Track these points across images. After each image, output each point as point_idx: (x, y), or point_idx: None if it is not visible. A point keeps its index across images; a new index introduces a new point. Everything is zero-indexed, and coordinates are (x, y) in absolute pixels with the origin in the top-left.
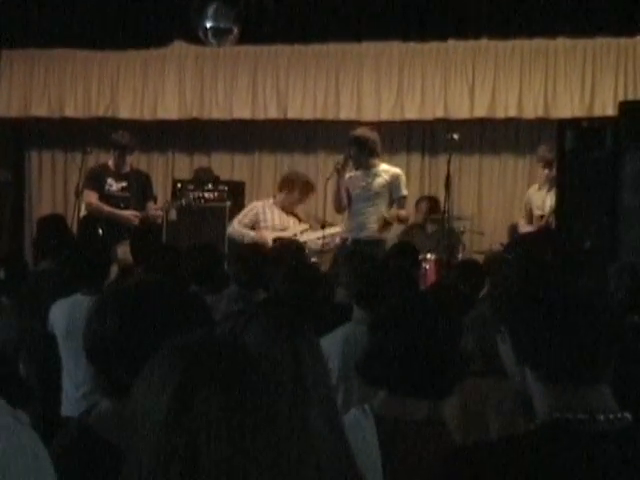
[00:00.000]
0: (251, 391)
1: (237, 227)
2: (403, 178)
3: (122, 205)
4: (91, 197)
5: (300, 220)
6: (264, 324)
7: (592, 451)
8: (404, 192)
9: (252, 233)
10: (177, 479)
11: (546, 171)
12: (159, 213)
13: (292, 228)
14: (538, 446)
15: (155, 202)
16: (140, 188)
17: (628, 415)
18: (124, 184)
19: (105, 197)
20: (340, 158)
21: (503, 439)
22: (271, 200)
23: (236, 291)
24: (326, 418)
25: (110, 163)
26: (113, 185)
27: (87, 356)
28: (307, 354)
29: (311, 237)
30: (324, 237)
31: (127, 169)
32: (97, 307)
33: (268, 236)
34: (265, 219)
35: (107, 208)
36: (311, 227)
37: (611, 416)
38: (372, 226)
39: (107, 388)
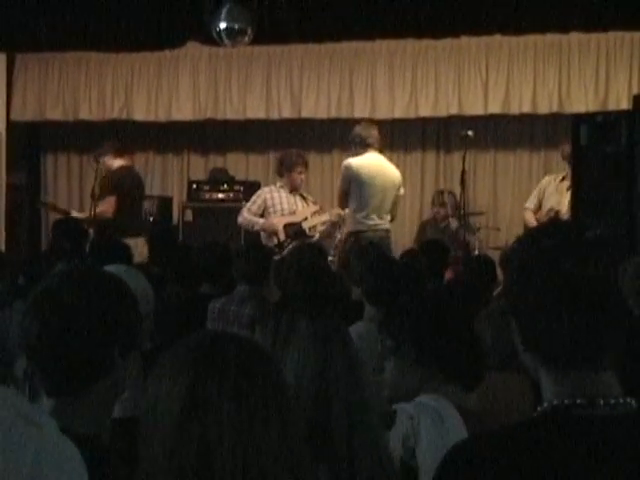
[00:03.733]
0: (263, 384)
1: (246, 216)
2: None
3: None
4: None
5: (306, 200)
6: (310, 323)
7: (591, 436)
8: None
9: (261, 221)
10: (191, 473)
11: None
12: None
13: (301, 211)
14: (537, 433)
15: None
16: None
17: (632, 401)
18: None
19: None
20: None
21: (504, 428)
22: (278, 184)
23: (245, 290)
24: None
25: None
26: None
27: (27, 355)
28: (354, 349)
29: (322, 219)
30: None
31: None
32: (32, 304)
33: (278, 223)
34: (273, 204)
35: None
36: (321, 209)
37: (612, 401)
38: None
39: (47, 387)
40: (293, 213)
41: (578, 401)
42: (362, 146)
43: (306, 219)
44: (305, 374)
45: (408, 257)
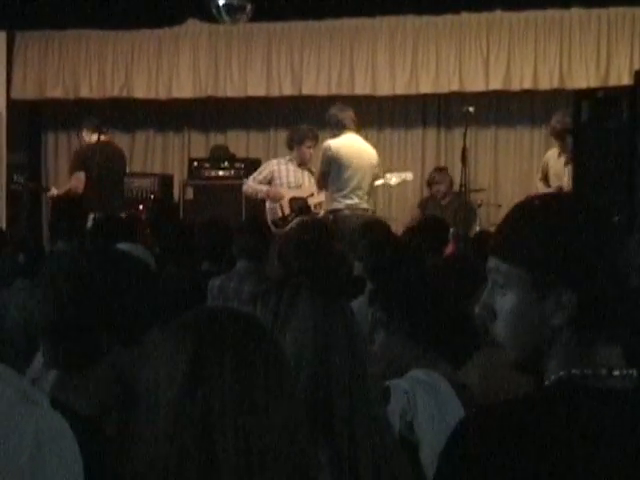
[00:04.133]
0: (263, 359)
1: (251, 184)
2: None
3: None
4: None
5: (314, 176)
6: (312, 299)
7: (601, 407)
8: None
9: (266, 188)
10: (193, 449)
11: (559, 142)
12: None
13: (308, 187)
14: (550, 404)
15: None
16: None
17: (635, 372)
18: None
19: None
20: None
21: (515, 399)
22: (287, 157)
23: (245, 267)
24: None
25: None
26: None
27: (42, 330)
28: (355, 325)
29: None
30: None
31: None
32: (50, 279)
33: (284, 193)
34: (280, 176)
35: None
36: None
37: (625, 373)
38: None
39: (60, 361)
40: (299, 187)
41: (586, 372)
42: (339, 127)
43: (312, 195)
44: (305, 350)
45: (409, 234)
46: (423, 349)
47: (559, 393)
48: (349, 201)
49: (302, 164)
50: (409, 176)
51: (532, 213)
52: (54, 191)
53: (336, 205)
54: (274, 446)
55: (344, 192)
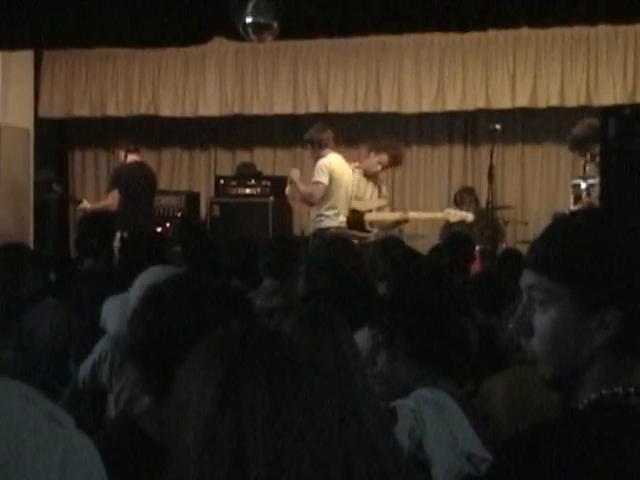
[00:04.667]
0: (294, 378)
1: (318, 178)
2: (318, 165)
3: None
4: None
5: (380, 191)
6: (302, 315)
7: (633, 425)
8: (314, 177)
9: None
10: (225, 471)
11: (580, 152)
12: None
13: (370, 202)
14: (585, 425)
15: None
16: None
17: None
18: None
19: None
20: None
21: (557, 419)
22: (356, 163)
23: (271, 285)
24: (371, 404)
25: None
26: None
27: (130, 354)
28: (346, 343)
29: (386, 218)
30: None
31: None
32: (139, 305)
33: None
34: None
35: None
36: (388, 205)
37: None
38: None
39: (148, 386)
40: (359, 199)
41: (630, 390)
42: (322, 147)
43: (370, 211)
44: None
45: (436, 252)
46: (425, 368)
47: (595, 414)
48: (339, 220)
49: (366, 175)
50: (470, 217)
51: (578, 229)
52: (86, 204)
53: (328, 223)
54: (306, 467)
55: (336, 210)
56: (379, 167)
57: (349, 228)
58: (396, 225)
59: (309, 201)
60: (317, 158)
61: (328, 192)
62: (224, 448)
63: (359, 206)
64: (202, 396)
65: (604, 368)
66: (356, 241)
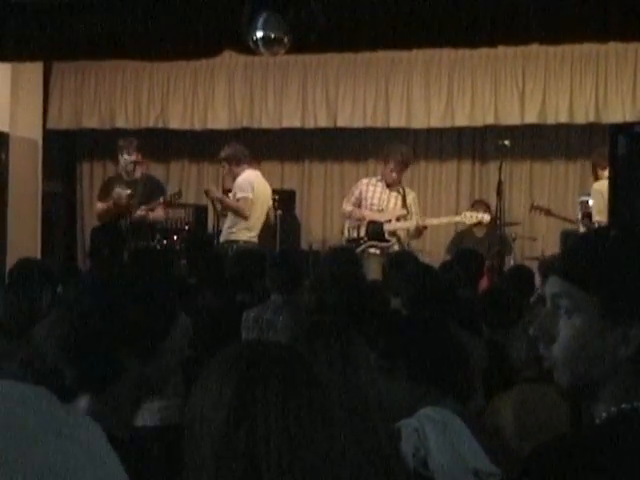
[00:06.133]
0: (306, 392)
1: (344, 206)
2: (239, 182)
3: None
4: (98, 207)
5: (405, 199)
6: (311, 330)
7: None
8: (238, 194)
9: (350, 209)
10: (240, 476)
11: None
12: (142, 213)
13: (390, 212)
14: (607, 438)
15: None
16: (147, 194)
17: None
18: (130, 191)
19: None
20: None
21: (578, 434)
22: (379, 176)
23: (278, 299)
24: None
25: (121, 171)
26: (121, 193)
27: (68, 352)
28: (357, 356)
29: (404, 226)
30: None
31: (137, 176)
32: (74, 302)
33: (366, 215)
34: (366, 197)
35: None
36: (408, 214)
37: None
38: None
39: (87, 384)
40: (381, 211)
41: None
42: (238, 164)
43: (390, 221)
44: None
45: (444, 267)
46: (426, 388)
47: (617, 427)
48: (250, 234)
49: (387, 184)
50: (486, 218)
51: (611, 242)
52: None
53: (239, 236)
54: (319, 474)
55: (248, 224)
56: (394, 175)
57: (369, 239)
58: (417, 234)
59: (240, 215)
60: (235, 175)
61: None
62: (239, 460)
63: (378, 217)
64: (216, 408)
65: (624, 382)
66: (378, 251)
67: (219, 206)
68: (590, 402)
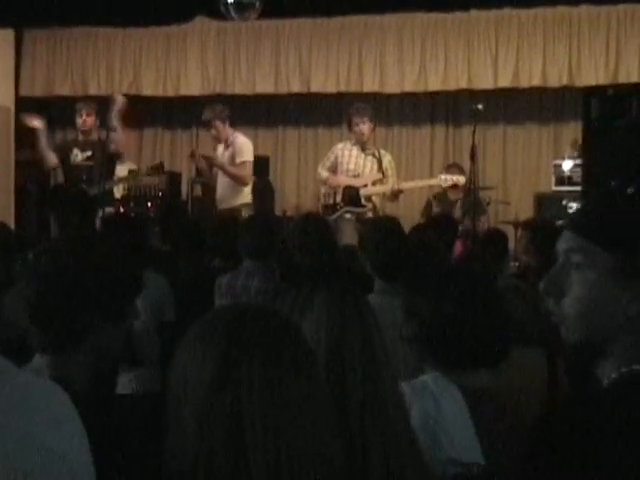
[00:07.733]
0: (291, 356)
1: (320, 171)
2: (240, 145)
3: (84, 176)
4: (52, 160)
5: (381, 165)
6: (328, 293)
7: None
8: (243, 157)
9: (326, 175)
10: (222, 447)
11: None
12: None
13: (365, 177)
14: (620, 398)
15: None
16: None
17: None
18: (89, 153)
19: (70, 168)
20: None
21: (588, 395)
22: (353, 140)
23: (251, 265)
24: (391, 385)
25: (78, 134)
26: (78, 155)
27: (30, 314)
28: (371, 319)
29: (379, 191)
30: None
31: (94, 138)
32: (39, 265)
33: (341, 182)
34: (342, 162)
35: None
36: (385, 177)
37: None
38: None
39: (45, 344)
40: (357, 176)
41: None
42: (224, 124)
43: (366, 186)
44: (320, 346)
45: (417, 232)
46: (433, 354)
47: (629, 388)
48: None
49: (359, 143)
50: (462, 180)
51: (629, 201)
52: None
53: (245, 200)
54: (303, 443)
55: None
56: (360, 132)
57: (345, 205)
58: (393, 197)
59: (240, 181)
60: (225, 136)
61: None
62: (223, 423)
63: (354, 182)
64: (200, 371)
65: (634, 342)
66: (353, 217)
67: (210, 170)
68: (598, 361)
